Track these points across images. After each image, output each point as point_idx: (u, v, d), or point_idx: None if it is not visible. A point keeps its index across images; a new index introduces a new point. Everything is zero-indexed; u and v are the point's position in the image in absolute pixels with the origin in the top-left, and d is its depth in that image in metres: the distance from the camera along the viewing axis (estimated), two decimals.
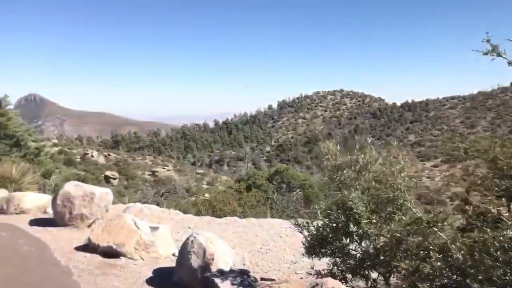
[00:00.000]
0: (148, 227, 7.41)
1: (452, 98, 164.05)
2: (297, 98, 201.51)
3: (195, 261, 5.52)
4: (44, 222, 9.27)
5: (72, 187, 9.14)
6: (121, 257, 6.85)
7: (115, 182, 69.83)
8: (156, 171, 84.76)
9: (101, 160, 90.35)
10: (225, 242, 8.19)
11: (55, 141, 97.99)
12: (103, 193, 9.28)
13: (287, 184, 21.40)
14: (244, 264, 6.77)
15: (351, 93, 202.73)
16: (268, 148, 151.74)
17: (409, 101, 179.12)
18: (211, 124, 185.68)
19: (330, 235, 4.60)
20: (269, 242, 8.27)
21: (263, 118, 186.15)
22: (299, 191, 16.67)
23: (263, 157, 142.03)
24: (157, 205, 23.25)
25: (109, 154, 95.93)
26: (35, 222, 9.34)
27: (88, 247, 7.21)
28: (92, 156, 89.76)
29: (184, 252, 5.78)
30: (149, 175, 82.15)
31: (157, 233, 7.23)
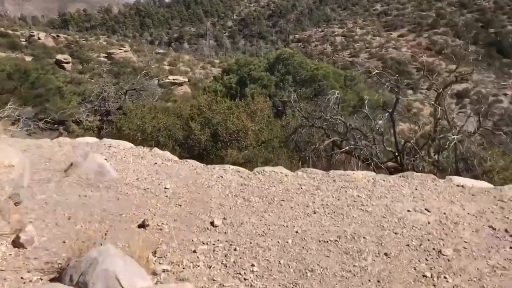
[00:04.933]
0: None
1: None
2: None
3: None
4: None
5: None
6: None
7: (68, 66, 62.06)
8: (112, 53, 76.38)
9: (50, 42, 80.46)
10: None
11: None
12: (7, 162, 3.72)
13: (293, 76, 16.01)
14: None
15: None
16: (230, 23, 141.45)
17: None
18: None
19: None
20: None
21: None
22: (337, 93, 11.31)
23: (225, 33, 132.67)
24: (120, 109, 17.55)
25: (58, 36, 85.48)
26: None
27: None
28: (39, 38, 79.64)
29: None
30: (105, 57, 73.91)
31: None
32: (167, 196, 4.95)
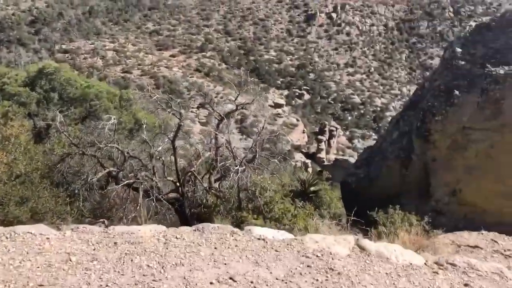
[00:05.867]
0: None
1: None
2: None
3: None
4: None
5: None
6: None
7: None
8: None
9: None
10: None
11: None
12: None
13: (60, 93, 13.80)
14: None
15: None
16: None
17: None
18: None
19: None
20: None
21: None
22: (114, 118, 9.90)
23: None
24: None
25: None
26: None
27: None
28: None
29: None
30: None
31: None
32: None
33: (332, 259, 4.30)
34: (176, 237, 4.47)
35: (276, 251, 4.36)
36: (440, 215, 13.71)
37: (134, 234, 4.45)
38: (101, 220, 10.47)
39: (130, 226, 4.76)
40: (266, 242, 4.53)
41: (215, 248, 4.30)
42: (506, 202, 13.65)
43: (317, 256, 4.32)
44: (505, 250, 12.29)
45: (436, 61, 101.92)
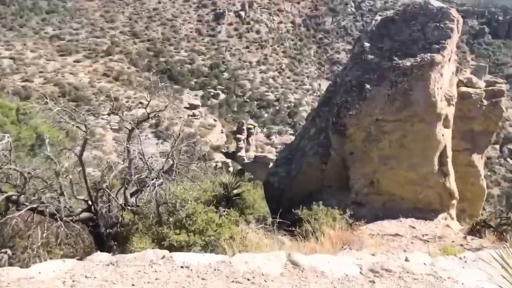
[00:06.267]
0: None
1: None
2: None
3: None
4: None
5: None
6: None
7: None
8: None
9: None
10: None
11: None
12: None
13: None
14: None
15: None
16: None
17: None
18: None
19: None
20: None
21: None
22: (8, 136, 8.77)
23: None
24: None
25: None
26: None
27: None
28: None
29: None
30: None
31: None
32: None
33: (265, 280, 3.92)
34: (86, 276, 3.84)
35: (203, 279, 3.90)
36: (361, 206, 13.97)
37: (34, 279, 3.75)
38: (3, 250, 9.37)
39: (28, 268, 4.03)
40: (191, 269, 4.04)
41: (133, 285, 3.74)
42: (420, 189, 14.24)
43: (248, 279, 3.91)
44: (423, 236, 12.80)
45: (342, 55, 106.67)
